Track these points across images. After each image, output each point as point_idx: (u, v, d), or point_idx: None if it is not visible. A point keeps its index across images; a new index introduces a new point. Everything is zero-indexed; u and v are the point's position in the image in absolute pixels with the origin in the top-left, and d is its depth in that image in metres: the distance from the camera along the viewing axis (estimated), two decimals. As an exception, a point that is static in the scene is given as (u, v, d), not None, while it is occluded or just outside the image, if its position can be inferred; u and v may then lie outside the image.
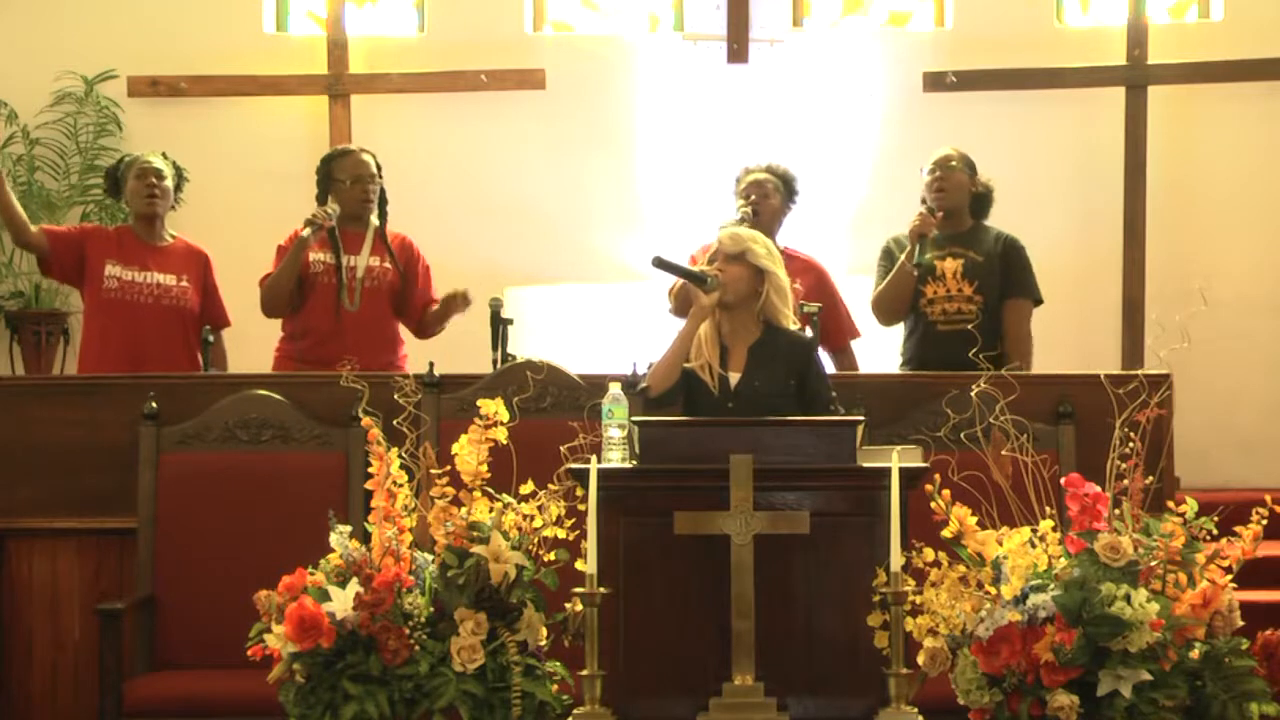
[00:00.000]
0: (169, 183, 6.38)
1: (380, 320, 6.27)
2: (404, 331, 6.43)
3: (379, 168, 6.37)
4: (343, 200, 6.26)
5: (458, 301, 6.28)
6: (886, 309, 6.25)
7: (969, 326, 5.79)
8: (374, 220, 6.34)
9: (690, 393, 4.90)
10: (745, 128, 8.24)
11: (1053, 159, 8.14)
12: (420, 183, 8.10)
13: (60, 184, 8.32)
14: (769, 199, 6.30)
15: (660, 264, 4.94)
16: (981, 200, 6.32)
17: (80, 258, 6.32)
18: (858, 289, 6.58)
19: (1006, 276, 6.20)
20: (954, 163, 6.25)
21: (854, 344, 6.45)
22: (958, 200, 6.23)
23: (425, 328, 6.41)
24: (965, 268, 6.16)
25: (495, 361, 5.79)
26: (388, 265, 6.28)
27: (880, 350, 6.67)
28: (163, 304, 6.28)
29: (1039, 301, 6.25)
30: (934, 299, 6.15)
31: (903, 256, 6.13)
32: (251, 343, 6.61)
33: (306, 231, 6.14)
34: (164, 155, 6.47)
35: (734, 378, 4.89)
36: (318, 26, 8.58)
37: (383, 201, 6.38)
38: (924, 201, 6.31)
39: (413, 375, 4.71)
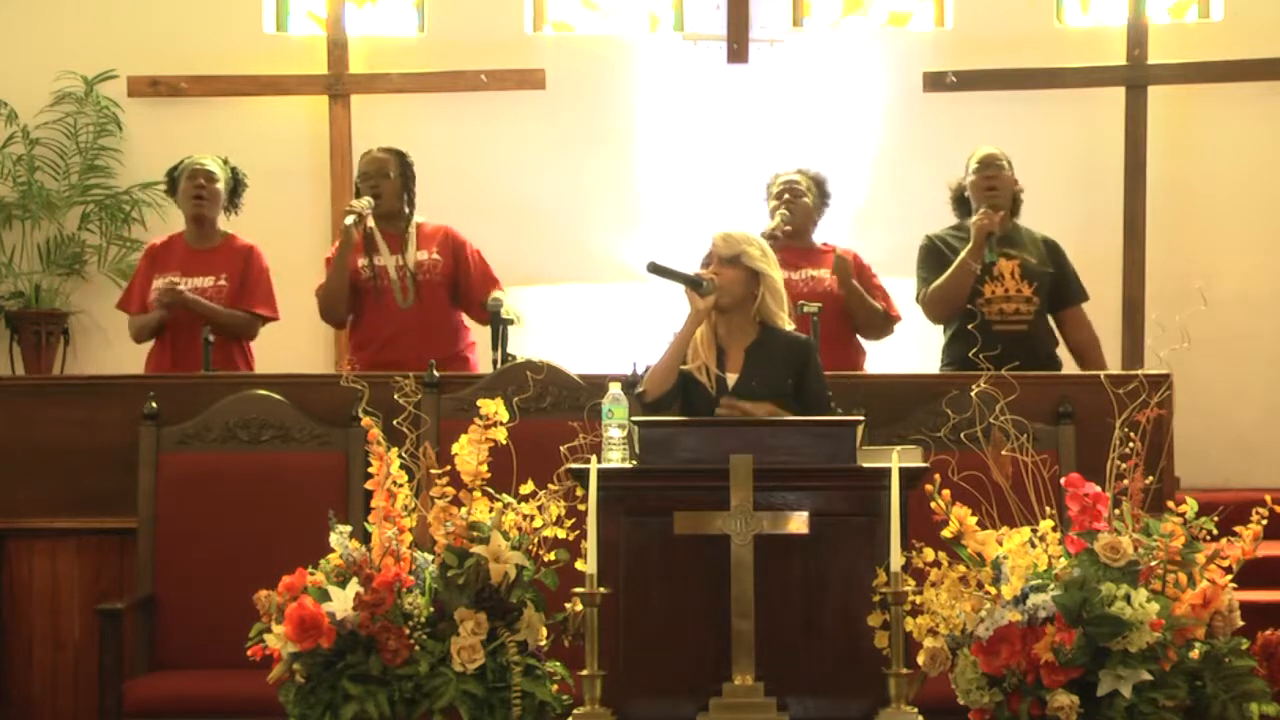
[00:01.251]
0: (220, 185, 6.40)
1: (439, 313, 6.27)
2: (472, 323, 6.43)
3: (406, 164, 6.40)
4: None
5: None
6: (943, 305, 6.20)
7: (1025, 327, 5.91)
8: (413, 216, 6.36)
9: (687, 395, 4.88)
10: (745, 128, 8.24)
11: (1053, 159, 8.13)
12: (420, 182, 8.07)
13: (60, 184, 8.32)
14: (801, 198, 6.36)
15: (655, 269, 4.92)
16: (1016, 200, 6.34)
17: (146, 293, 6.35)
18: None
19: (1060, 282, 6.26)
20: (1002, 162, 6.27)
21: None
22: (1007, 200, 6.24)
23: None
24: (1023, 269, 6.18)
25: (495, 361, 5.79)
26: (436, 257, 6.28)
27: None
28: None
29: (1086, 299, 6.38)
30: (992, 298, 6.15)
31: (964, 253, 6.10)
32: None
33: (350, 219, 6.17)
34: (224, 161, 6.49)
35: (731, 378, 4.87)
36: (318, 26, 8.58)
37: (410, 196, 6.38)
38: (956, 199, 6.31)
39: (413, 375, 4.71)
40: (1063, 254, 6.36)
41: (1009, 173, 6.29)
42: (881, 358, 6.68)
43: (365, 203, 6.26)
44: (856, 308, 6.26)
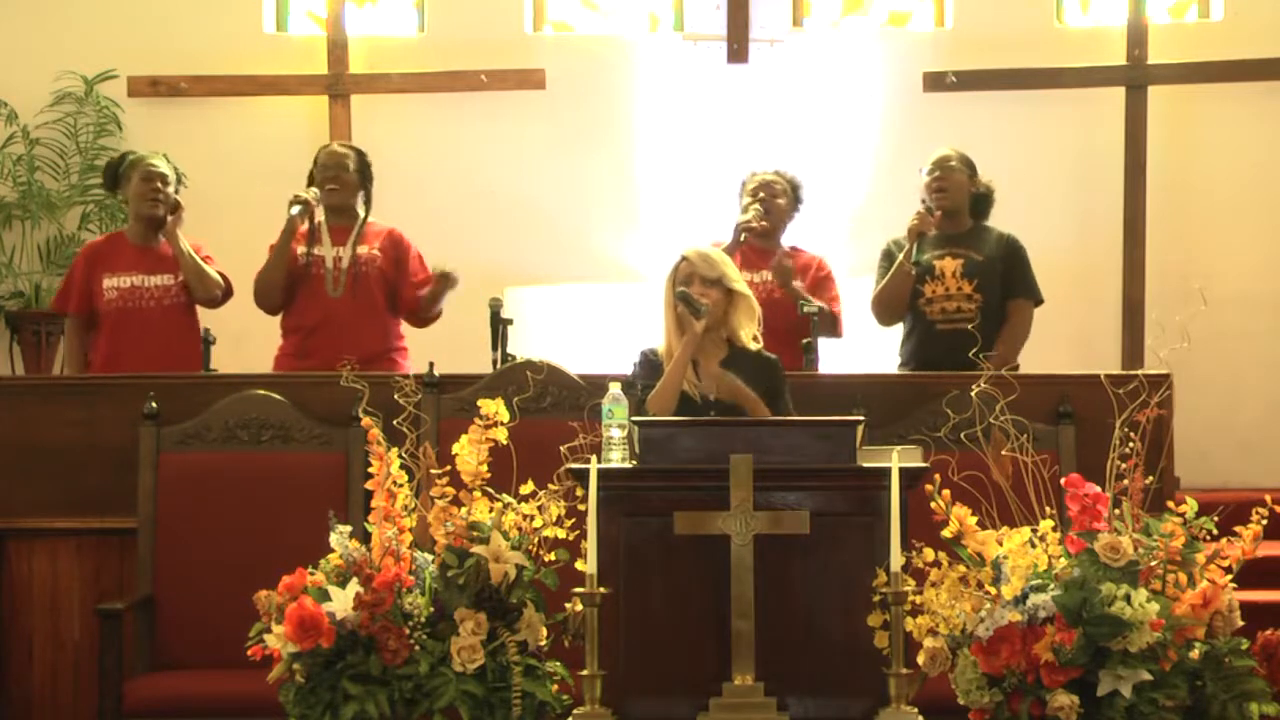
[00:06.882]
0: (172, 187, 6.39)
1: (371, 308, 6.26)
2: (406, 327, 6.42)
3: (365, 163, 6.38)
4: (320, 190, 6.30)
5: (449, 279, 6.23)
6: (885, 308, 6.29)
7: (969, 326, 5.77)
8: (360, 212, 6.35)
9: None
10: (745, 127, 8.24)
11: (1053, 159, 8.14)
12: (420, 183, 8.10)
13: (60, 184, 8.32)
14: (777, 199, 6.37)
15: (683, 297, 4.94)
16: (982, 201, 6.34)
17: (89, 292, 6.32)
18: (857, 290, 6.59)
19: (1009, 277, 6.24)
20: (953, 163, 6.29)
21: (838, 344, 6.46)
22: (958, 200, 6.26)
23: (420, 314, 6.35)
24: (965, 267, 6.18)
25: (495, 361, 5.79)
26: (376, 253, 6.28)
27: (877, 350, 6.68)
28: (164, 305, 6.27)
29: (1039, 302, 6.29)
30: (933, 298, 6.17)
31: (901, 256, 6.16)
32: (252, 343, 6.61)
33: (295, 209, 6.16)
34: (165, 157, 6.47)
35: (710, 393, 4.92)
36: (318, 26, 8.59)
37: (367, 195, 6.37)
38: (924, 201, 6.33)
39: (413, 375, 4.70)
40: (1019, 252, 6.29)
41: (961, 174, 6.29)
42: (874, 357, 6.68)
43: (314, 193, 6.25)
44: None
